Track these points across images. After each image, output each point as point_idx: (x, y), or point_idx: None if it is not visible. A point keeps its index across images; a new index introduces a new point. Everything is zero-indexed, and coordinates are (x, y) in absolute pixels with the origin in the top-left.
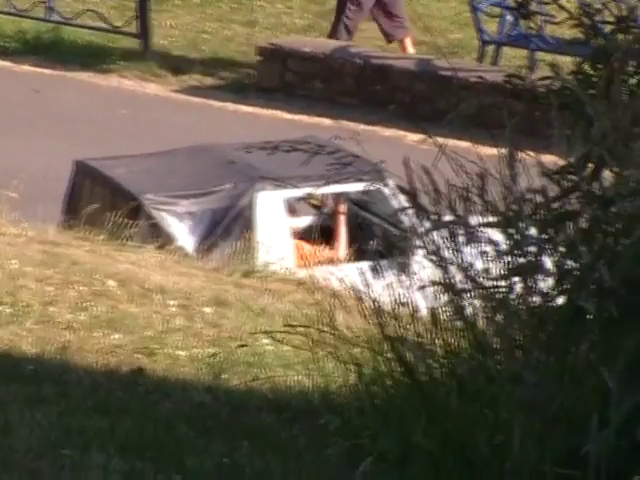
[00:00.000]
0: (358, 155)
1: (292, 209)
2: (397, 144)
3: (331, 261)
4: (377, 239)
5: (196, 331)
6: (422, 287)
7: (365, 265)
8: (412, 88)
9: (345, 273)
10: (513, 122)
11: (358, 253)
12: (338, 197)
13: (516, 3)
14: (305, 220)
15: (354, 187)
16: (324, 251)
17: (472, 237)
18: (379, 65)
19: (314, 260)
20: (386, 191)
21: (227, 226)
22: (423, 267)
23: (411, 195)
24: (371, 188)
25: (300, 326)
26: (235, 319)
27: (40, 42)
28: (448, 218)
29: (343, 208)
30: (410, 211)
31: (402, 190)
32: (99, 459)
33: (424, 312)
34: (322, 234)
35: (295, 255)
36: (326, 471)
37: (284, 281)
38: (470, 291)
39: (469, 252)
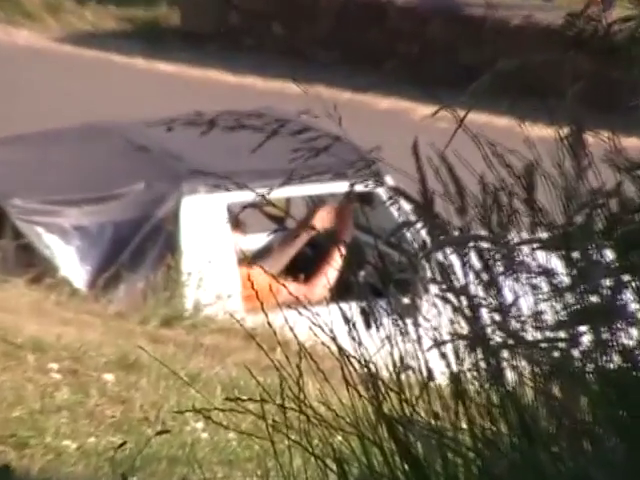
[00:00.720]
0: (339, 137)
1: (239, 222)
2: (399, 121)
3: (300, 301)
4: (370, 267)
5: (91, 409)
6: (438, 343)
7: (352, 307)
8: (421, 35)
9: (322, 319)
10: (577, 88)
11: (342, 288)
12: (311, 203)
13: None
14: (260, 239)
15: (334, 187)
16: (290, 285)
17: (515, 264)
18: None
19: (274, 299)
20: (383, 194)
21: (138, 248)
22: (439, 311)
23: (422, 200)
24: (360, 189)
25: (251, 401)
26: (151, 391)
27: None
28: (477, 234)
29: (319, 220)
30: (419, 225)
31: (406, 194)
32: None
33: (441, 380)
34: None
35: (244, 292)
36: None
37: (227, 332)
38: (512, 347)
39: (510, 287)
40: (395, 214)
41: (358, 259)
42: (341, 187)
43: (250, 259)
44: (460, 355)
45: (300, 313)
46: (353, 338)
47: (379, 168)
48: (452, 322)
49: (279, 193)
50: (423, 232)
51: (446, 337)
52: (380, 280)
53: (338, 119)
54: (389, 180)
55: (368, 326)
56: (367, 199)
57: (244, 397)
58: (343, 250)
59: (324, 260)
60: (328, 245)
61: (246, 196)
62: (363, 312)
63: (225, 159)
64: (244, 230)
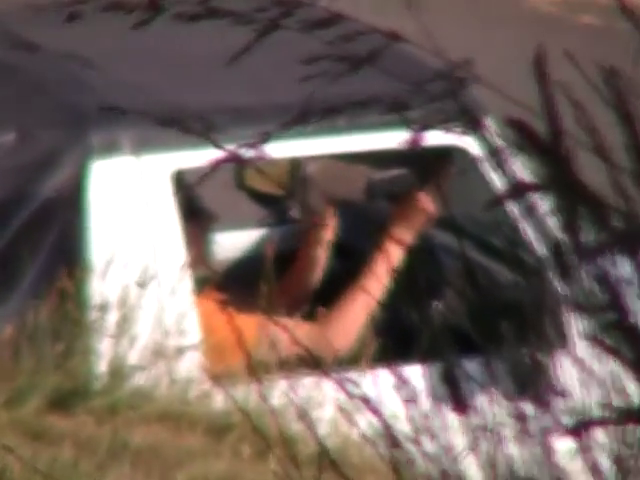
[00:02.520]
0: (396, 35)
1: (203, 212)
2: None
3: (318, 358)
4: (450, 293)
5: None
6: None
7: (415, 370)
8: None
9: (356, 391)
10: None
11: (393, 333)
12: (337, 171)
13: None
14: (240, 240)
15: (384, 138)
16: (297, 326)
17: None
18: None
19: (267, 356)
20: (475, 152)
21: (3, 255)
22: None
23: (554, 151)
24: (433, 143)
25: None
26: None
27: None
28: None
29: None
30: (553, 203)
31: (535, 136)
32: None
33: None
34: (288, 276)
35: (207, 342)
36: None
37: (175, 422)
38: None
39: None
40: (497, 185)
41: (428, 278)
42: (397, 138)
43: (220, 282)
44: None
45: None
46: (418, 431)
47: (475, 97)
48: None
49: (277, 150)
50: (554, 220)
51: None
52: (471, 318)
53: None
54: (490, 123)
55: (457, 408)
56: (443, 161)
57: None
58: (398, 259)
59: (358, 280)
60: (366, 251)
61: (214, 157)
62: (447, 380)
63: (179, 84)
64: (210, 223)
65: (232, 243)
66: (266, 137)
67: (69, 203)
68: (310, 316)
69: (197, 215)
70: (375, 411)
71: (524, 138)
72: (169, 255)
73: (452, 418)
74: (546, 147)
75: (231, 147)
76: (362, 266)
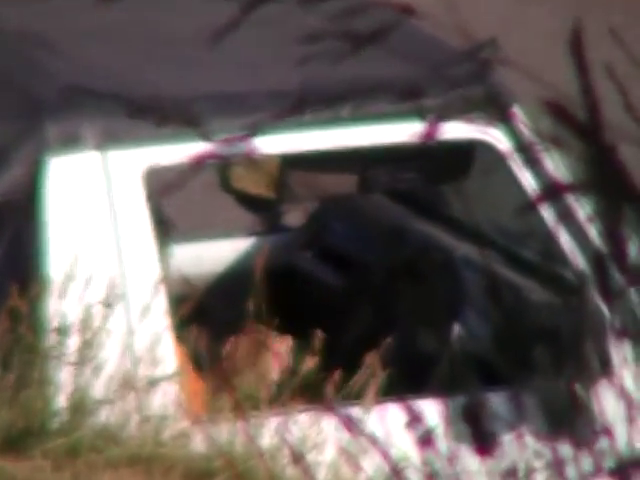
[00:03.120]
0: (411, 9)
1: (166, 222)
2: None
3: (311, 392)
4: (472, 316)
5: None
6: None
7: (428, 407)
8: None
9: (361, 429)
10: None
11: (401, 366)
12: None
13: None
14: (226, 249)
15: (396, 130)
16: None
17: None
18: None
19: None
20: (503, 147)
21: None
22: None
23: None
24: (453, 136)
25: None
26: None
27: None
28: None
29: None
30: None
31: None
32: None
33: None
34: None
35: (187, 373)
36: None
37: (146, 464)
38: None
39: None
40: (528, 186)
41: (446, 297)
42: (410, 130)
43: (200, 301)
44: None
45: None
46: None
47: (503, 82)
48: None
49: (270, 145)
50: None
51: None
52: (498, 344)
53: None
54: (518, 112)
55: (480, 449)
56: (464, 157)
57: None
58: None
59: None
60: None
61: (195, 152)
62: (469, 416)
63: (153, 67)
64: (169, 233)
65: (215, 254)
66: (257, 129)
67: (21, 208)
68: (304, 339)
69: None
70: (383, 453)
71: (563, 127)
72: (140, 269)
73: (474, 461)
74: (589, 138)
75: (215, 141)
76: (364, 280)
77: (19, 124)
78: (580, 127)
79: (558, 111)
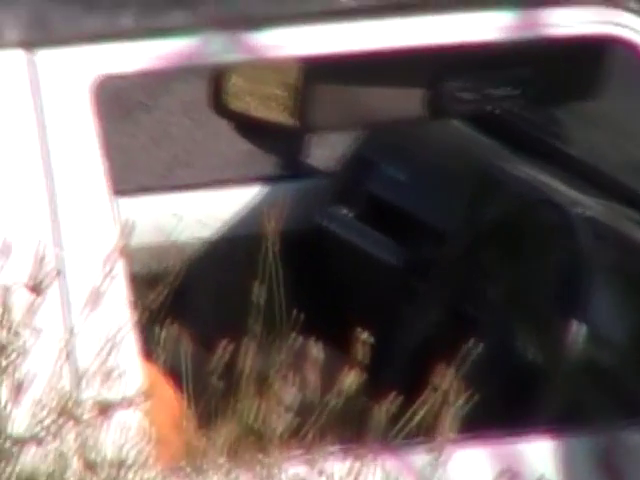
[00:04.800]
0: None
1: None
2: None
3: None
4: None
5: None
6: None
7: (529, 449)
8: None
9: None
10: None
11: (489, 387)
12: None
13: None
14: (220, 201)
15: (476, 26)
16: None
17: None
18: None
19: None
20: None
21: None
22: None
23: None
24: (570, 30)
25: None
26: None
27: None
28: None
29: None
30: None
31: None
32: None
33: None
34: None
35: (160, 394)
36: None
37: None
38: None
39: None
40: None
41: (559, 276)
42: (503, 18)
43: (181, 281)
44: None
45: None
46: None
47: None
48: None
49: (287, 42)
50: None
51: None
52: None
53: None
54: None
55: None
56: (589, 61)
57: None
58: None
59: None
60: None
61: (169, 53)
62: (601, 460)
63: None
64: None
65: (205, 210)
66: (265, 18)
67: None
68: (341, 343)
69: None
70: None
71: None
72: (86, 231)
73: None
74: None
75: (201, 36)
76: (432, 252)
77: None
78: None
79: None
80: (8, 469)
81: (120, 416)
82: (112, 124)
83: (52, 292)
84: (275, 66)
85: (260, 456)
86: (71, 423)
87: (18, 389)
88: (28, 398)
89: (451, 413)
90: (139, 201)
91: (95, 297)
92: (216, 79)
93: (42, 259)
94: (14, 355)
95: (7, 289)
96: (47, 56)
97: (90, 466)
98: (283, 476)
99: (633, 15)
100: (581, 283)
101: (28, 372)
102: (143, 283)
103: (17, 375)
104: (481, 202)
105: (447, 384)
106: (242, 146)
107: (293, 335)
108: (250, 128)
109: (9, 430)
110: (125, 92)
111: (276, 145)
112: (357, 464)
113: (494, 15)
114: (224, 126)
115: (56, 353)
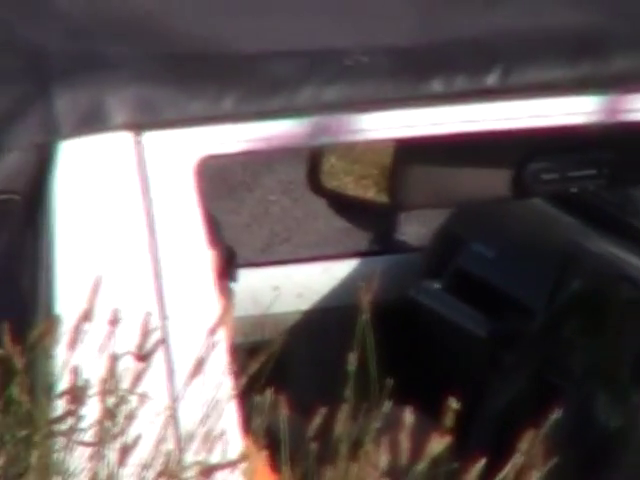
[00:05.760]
0: None
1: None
2: None
3: None
4: None
5: None
6: None
7: None
8: None
9: None
10: None
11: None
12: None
13: None
14: (313, 276)
15: (556, 111)
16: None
17: None
18: None
19: None
20: None
21: None
22: None
23: None
24: None
25: None
26: None
27: None
28: None
29: None
30: None
31: None
32: None
33: None
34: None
35: (258, 459)
36: None
37: None
38: None
39: None
40: None
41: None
42: (589, 104)
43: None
44: None
45: None
46: None
47: None
48: None
49: (380, 126)
50: None
51: None
52: None
53: None
54: None
55: None
56: None
57: None
58: None
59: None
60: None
61: (269, 135)
62: None
63: (210, 6)
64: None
65: (301, 283)
66: (362, 102)
67: (18, 209)
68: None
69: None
70: None
71: None
72: (190, 303)
73: None
74: None
75: (300, 120)
76: (518, 324)
77: (16, 92)
78: None
79: None
80: None
81: (221, 477)
82: (215, 202)
83: (157, 360)
84: (370, 147)
85: None
86: None
87: (125, 451)
88: (134, 459)
89: (536, 476)
90: (240, 274)
91: (197, 364)
92: (313, 159)
93: (148, 329)
94: (122, 419)
95: (115, 357)
96: (153, 138)
97: None
98: None
99: None
100: None
101: (135, 435)
102: (241, 353)
103: (124, 438)
104: (564, 277)
105: (532, 448)
106: (338, 223)
107: (385, 402)
108: (345, 206)
109: None
110: (228, 172)
111: (370, 222)
112: None
113: (578, 100)
114: (321, 204)
115: (161, 418)
